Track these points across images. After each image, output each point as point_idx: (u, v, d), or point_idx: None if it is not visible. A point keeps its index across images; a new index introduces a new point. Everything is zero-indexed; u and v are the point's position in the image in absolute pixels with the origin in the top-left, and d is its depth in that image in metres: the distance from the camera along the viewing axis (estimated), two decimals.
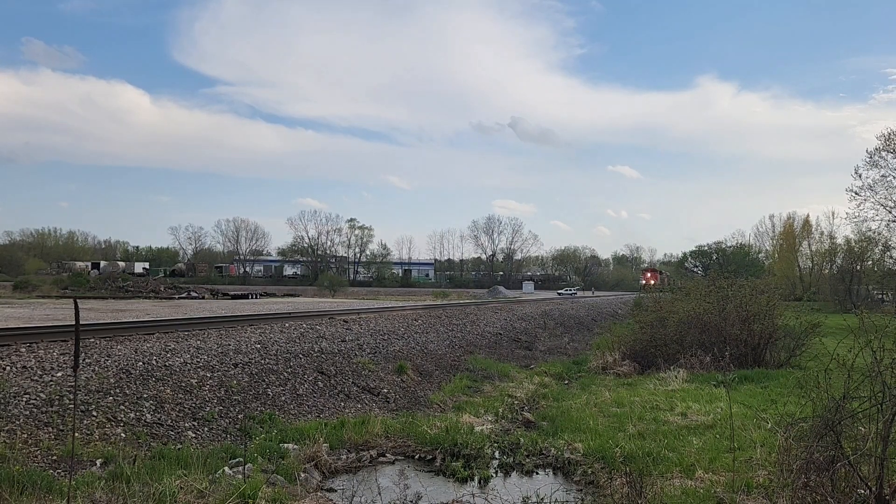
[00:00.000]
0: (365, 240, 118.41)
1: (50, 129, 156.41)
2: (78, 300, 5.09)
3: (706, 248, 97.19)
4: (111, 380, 9.96)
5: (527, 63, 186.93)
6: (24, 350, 10.58)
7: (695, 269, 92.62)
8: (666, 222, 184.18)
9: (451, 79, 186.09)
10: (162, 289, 46.43)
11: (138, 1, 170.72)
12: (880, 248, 51.64)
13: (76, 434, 8.11)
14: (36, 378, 9.35)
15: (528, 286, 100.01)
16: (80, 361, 10.24)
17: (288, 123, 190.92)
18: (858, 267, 56.80)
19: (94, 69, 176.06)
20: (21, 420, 8.12)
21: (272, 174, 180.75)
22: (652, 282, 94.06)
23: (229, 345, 13.70)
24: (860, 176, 44.80)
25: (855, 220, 46.85)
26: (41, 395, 8.85)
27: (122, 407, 9.32)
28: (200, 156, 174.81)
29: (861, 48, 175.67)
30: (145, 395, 9.92)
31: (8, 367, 9.52)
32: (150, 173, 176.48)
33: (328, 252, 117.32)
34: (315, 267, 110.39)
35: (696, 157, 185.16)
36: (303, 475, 8.22)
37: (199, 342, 13.44)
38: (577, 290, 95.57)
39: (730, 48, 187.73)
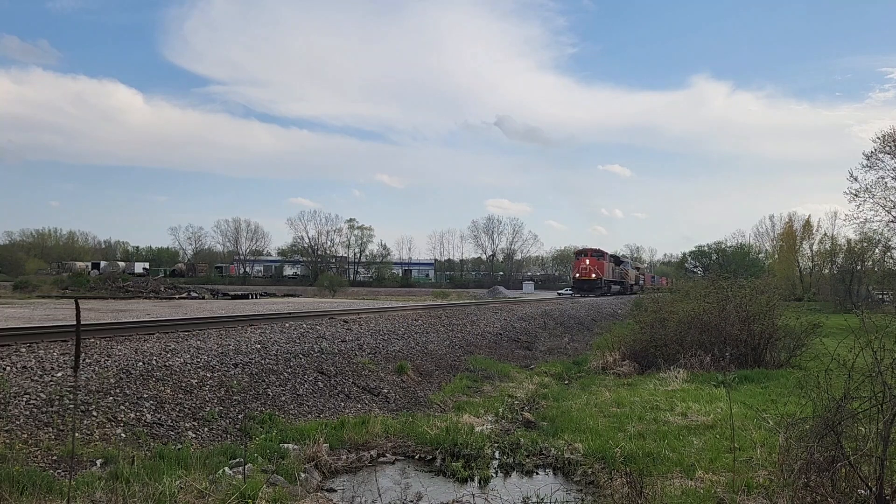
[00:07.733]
0: (365, 240, 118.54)
1: (41, 129, 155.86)
2: (78, 300, 5.08)
3: (706, 248, 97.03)
4: (111, 380, 9.96)
5: (518, 62, 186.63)
6: (24, 350, 10.58)
7: (695, 270, 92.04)
8: (663, 222, 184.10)
9: (443, 77, 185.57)
10: (162, 289, 46.29)
11: None
12: (881, 248, 51.68)
13: (76, 434, 8.11)
14: (36, 378, 9.34)
15: (529, 286, 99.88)
16: (81, 361, 10.25)
17: (282, 123, 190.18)
18: (859, 267, 56.79)
19: (84, 68, 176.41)
20: (21, 420, 8.12)
21: (267, 174, 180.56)
22: (592, 275, 65.41)
23: (229, 345, 13.70)
24: (856, 179, 44.71)
25: (854, 221, 46.84)
26: (41, 395, 8.85)
27: (122, 407, 9.32)
28: (195, 155, 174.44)
29: (856, 47, 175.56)
30: (145, 396, 9.91)
31: (8, 367, 9.52)
32: (145, 173, 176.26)
33: (328, 252, 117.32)
34: (315, 267, 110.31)
35: (692, 156, 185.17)
36: (303, 475, 8.22)
37: (199, 342, 13.44)
38: None
39: (723, 47, 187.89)
